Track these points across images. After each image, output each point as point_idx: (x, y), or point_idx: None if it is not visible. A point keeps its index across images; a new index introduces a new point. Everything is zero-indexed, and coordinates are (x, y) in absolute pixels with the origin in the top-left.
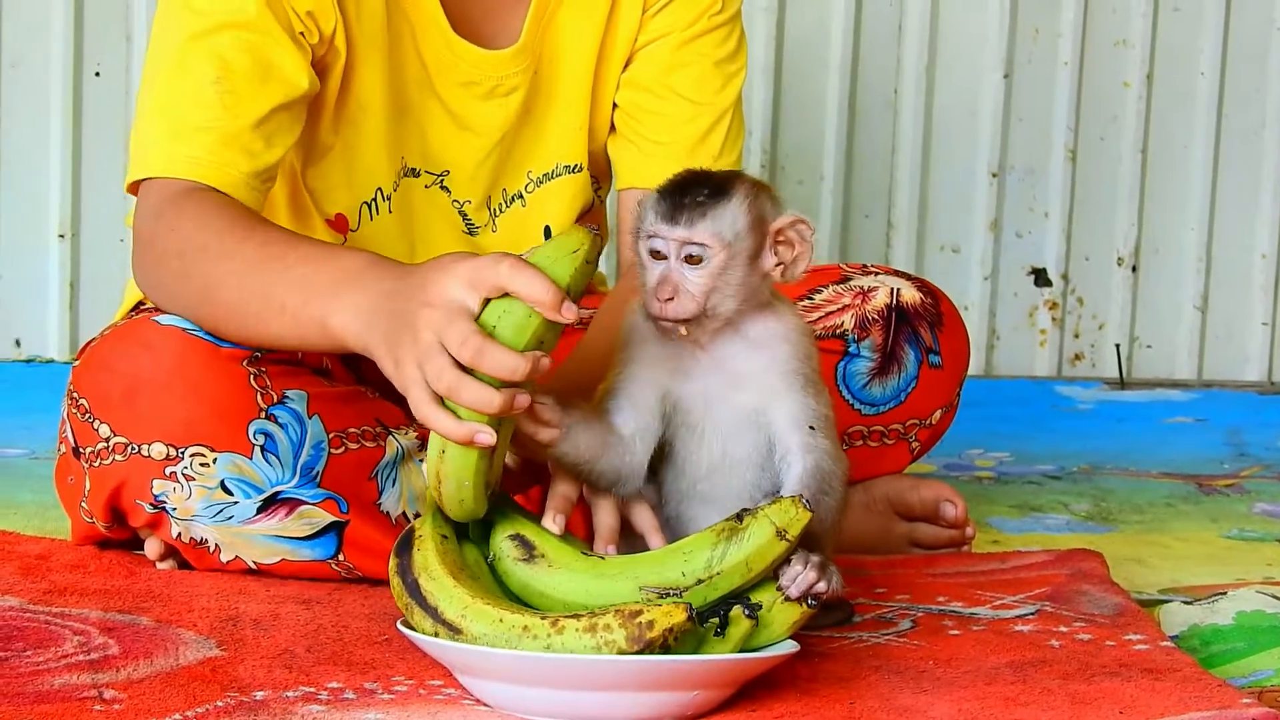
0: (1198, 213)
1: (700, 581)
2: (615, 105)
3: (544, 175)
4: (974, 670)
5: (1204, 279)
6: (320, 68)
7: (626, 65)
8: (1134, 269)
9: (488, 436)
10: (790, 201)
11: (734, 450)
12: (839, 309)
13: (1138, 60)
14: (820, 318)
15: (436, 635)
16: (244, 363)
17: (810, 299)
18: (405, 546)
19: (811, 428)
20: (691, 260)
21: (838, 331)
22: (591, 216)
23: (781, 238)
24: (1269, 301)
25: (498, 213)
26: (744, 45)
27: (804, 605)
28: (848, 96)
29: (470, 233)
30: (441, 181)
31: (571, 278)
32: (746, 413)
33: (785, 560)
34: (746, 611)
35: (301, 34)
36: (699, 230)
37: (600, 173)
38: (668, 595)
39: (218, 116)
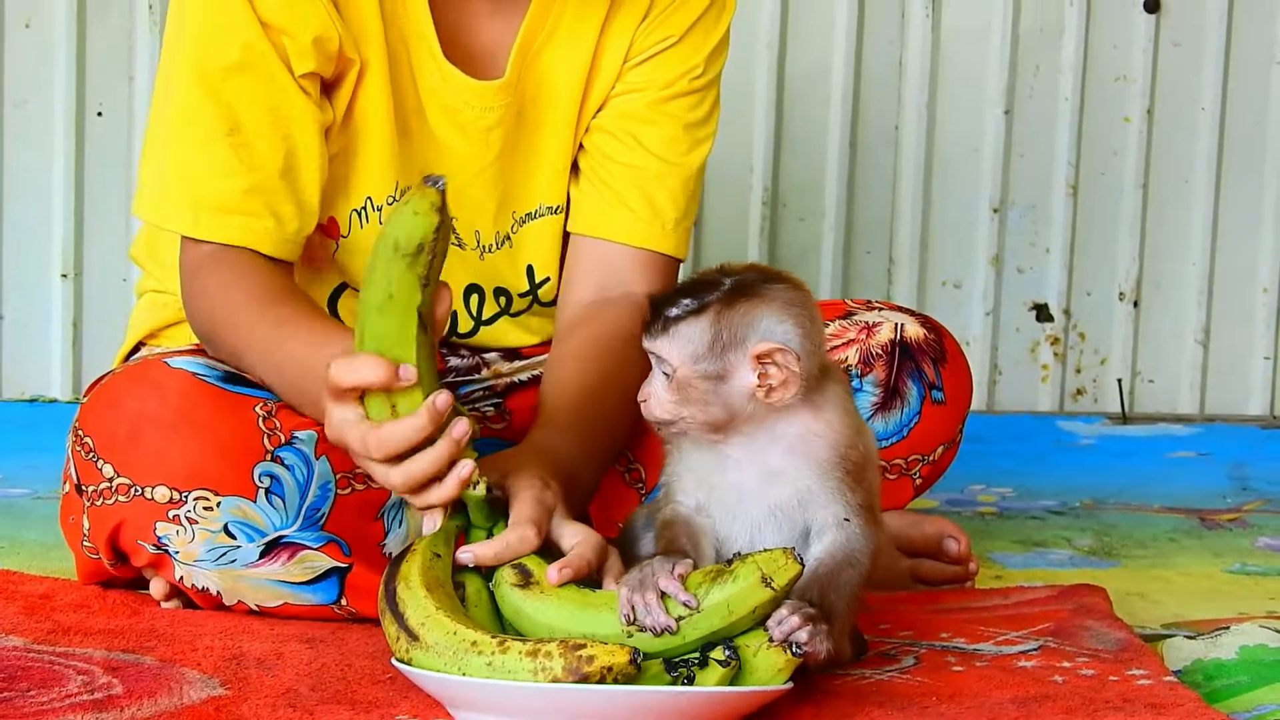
0: (1199, 247)
1: (680, 619)
2: (581, 146)
3: (526, 215)
4: (977, 706)
5: (1206, 313)
6: (335, 78)
7: (599, 110)
8: (1136, 304)
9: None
10: (792, 237)
11: (764, 540)
12: (843, 344)
13: (1138, 95)
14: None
15: (399, 640)
16: (255, 406)
17: None
18: (399, 559)
19: (846, 519)
20: (665, 372)
21: (841, 366)
22: None
23: (767, 360)
24: (1271, 336)
25: (488, 250)
26: (717, 111)
27: (788, 653)
28: (849, 132)
29: (460, 246)
30: None
31: (399, 336)
32: (782, 506)
33: (774, 608)
34: (727, 652)
35: (308, 74)
36: (660, 345)
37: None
38: (646, 629)
39: (234, 172)
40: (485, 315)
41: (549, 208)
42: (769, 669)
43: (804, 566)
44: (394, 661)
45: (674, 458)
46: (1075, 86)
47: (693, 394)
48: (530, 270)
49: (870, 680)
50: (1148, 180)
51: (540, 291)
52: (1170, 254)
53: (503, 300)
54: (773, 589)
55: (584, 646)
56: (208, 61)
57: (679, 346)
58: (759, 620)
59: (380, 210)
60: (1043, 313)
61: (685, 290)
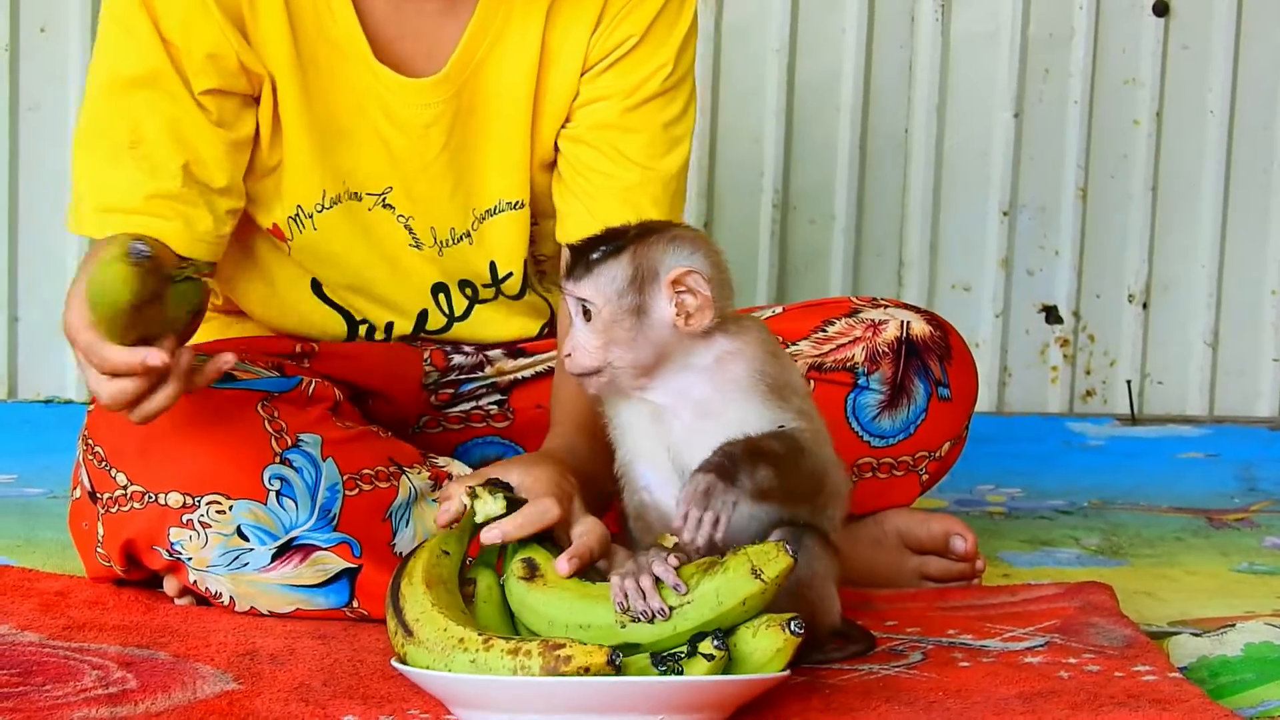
0: (1208, 249)
1: (671, 609)
2: (558, 150)
3: (486, 211)
4: (983, 702)
5: (1215, 315)
6: (256, 94)
7: (569, 118)
8: (1145, 306)
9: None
10: (803, 241)
11: None
12: (850, 342)
13: (1148, 99)
14: (831, 350)
15: (397, 634)
16: (258, 406)
17: (823, 331)
18: (409, 556)
19: (781, 426)
20: (586, 315)
21: (848, 364)
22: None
23: (681, 288)
24: (1279, 338)
25: (446, 245)
26: (693, 105)
27: (786, 631)
28: (859, 137)
29: (417, 246)
30: (384, 199)
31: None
32: (721, 439)
33: (764, 600)
34: (716, 643)
35: (209, 91)
36: (583, 286)
37: (540, 211)
38: (640, 619)
39: (138, 181)
40: (457, 311)
41: (509, 203)
42: (766, 651)
43: (796, 560)
44: (393, 662)
45: (612, 425)
46: (1084, 90)
47: (618, 332)
48: (493, 266)
49: (877, 676)
50: (1157, 183)
51: (504, 285)
52: (1179, 256)
53: (469, 291)
54: (762, 581)
55: (563, 646)
56: (116, 74)
57: (602, 285)
58: (750, 612)
59: (312, 217)
60: (1052, 315)
61: (600, 238)
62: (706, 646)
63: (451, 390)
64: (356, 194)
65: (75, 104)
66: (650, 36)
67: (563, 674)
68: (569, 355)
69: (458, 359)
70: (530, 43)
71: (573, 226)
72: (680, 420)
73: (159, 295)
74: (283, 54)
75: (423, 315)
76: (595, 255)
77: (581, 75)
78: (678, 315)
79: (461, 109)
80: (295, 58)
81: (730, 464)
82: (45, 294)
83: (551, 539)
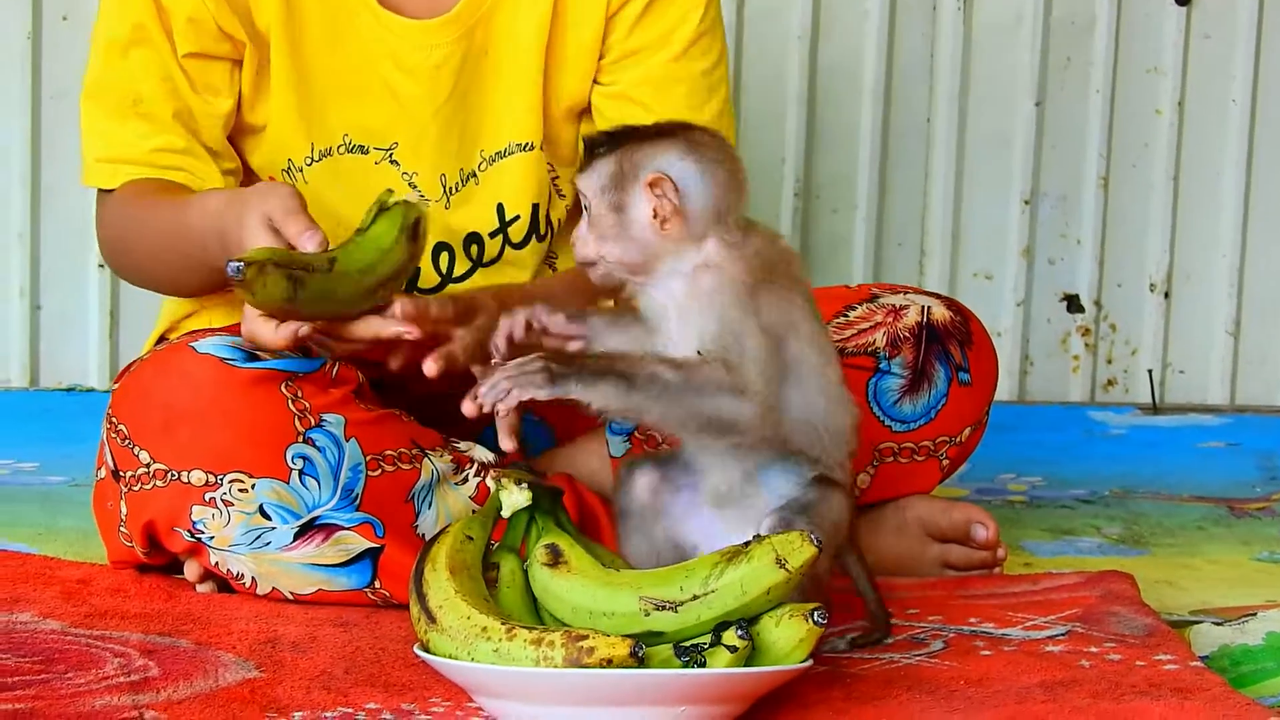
0: (1230, 239)
1: (695, 598)
2: (592, 106)
3: (496, 154)
4: (1005, 690)
5: (1236, 304)
6: (232, 59)
7: (599, 70)
8: (1166, 295)
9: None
10: (824, 229)
11: None
12: (871, 326)
13: (1169, 88)
14: (853, 335)
15: (420, 621)
16: (281, 386)
17: (845, 316)
18: (432, 541)
19: (699, 352)
20: (586, 209)
21: (869, 349)
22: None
23: (657, 191)
24: None
25: (453, 191)
26: (724, 47)
27: (809, 621)
28: (881, 125)
29: (426, 201)
30: (390, 155)
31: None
32: (691, 350)
33: (788, 590)
34: (740, 633)
35: (192, 54)
36: (580, 179)
37: (559, 160)
38: (663, 608)
39: (143, 135)
40: (456, 273)
41: (520, 145)
42: (789, 641)
43: (820, 549)
44: (415, 649)
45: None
46: (1106, 79)
47: (605, 227)
48: (500, 209)
49: (899, 665)
50: (1178, 172)
51: (510, 230)
52: (1201, 245)
53: (474, 250)
54: (787, 570)
55: (586, 637)
56: (114, 34)
57: (593, 180)
58: (773, 602)
59: (302, 170)
60: (1074, 304)
61: (607, 134)
62: (730, 637)
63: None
64: (363, 147)
65: None
66: None
67: (585, 665)
68: (573, 243)
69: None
70: None
71: None
72: (667, 323)
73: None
74: (274, 10)
75: (416, 273)
76: (595, 151)
77: (607, 21)
78: (655, 218)
79: (472, 50)
80: (288, 14)
81: (572, 364)
82: (67, 282)
83: (571, 522)
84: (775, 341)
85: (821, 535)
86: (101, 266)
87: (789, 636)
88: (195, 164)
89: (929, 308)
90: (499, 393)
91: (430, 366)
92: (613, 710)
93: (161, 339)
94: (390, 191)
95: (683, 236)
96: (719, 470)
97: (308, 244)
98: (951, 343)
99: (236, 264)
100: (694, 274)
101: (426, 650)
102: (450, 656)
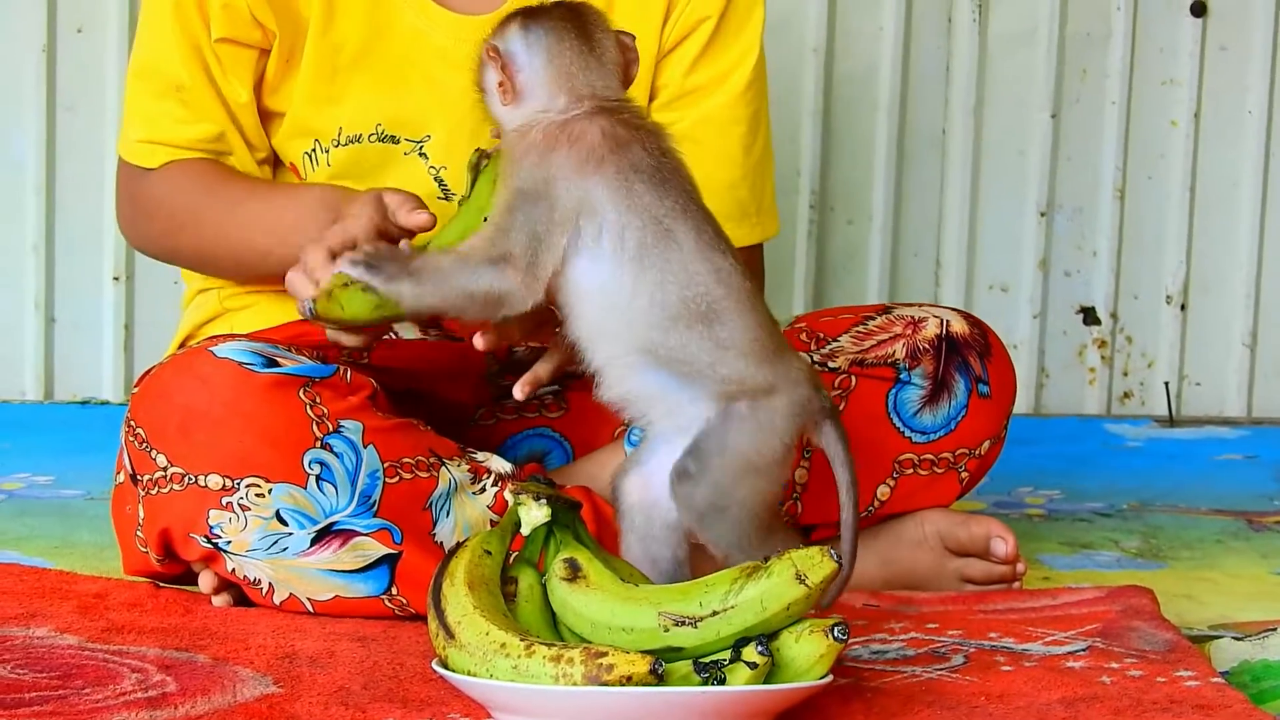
0: (1246, 250)
1: (715, 614)
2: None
3: None
4: (1026, 706)
5: (1253, 316)
6: (262, 48)
7: (649, 111)
8: (1183, 307)
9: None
10: (840, 241)
11: None
12: (890, 338)
13: (1185, 99)
14: (872, 346)
15: (438, 636)
16: (299, 392)
17: (864, 325)
18: (450, 554)
19: (485, 219)
20: None
21: (889, 360)
22: None
23: (493, 62)
24: None
25: None
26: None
27: (829, 637)
28: (896, 136)
29: (445, 198)
30: (421, 148)
31: None
32: None
33: (808, 606)
34: (760, 649)
35: (224, 39)
36: None
37: None
38: (683, 623)
39: (186, 120)
40: None
41: None
42: (809, 658)
43: (841, 566)
44: (433, 665)
45: None
46: (1122, 90)
47: (488, 113)
48: None
49: (920, 679)
50: (1194, 183)
51: None
52: (1217, 257)
53: None
54: (807, 586)
55: (605, 654)
56: (156, 15)
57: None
58: (792, 617)
59: (328, 153)
60: (1090, 316)
61: None
62: (750, 654)
63: (515, 376)
64: (394, 138)
65: (113, 105)
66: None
67: (605, 683)
68: None
69: (519, 350)
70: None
71: None
72: None
73: None
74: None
75: None
76: None
77: (657, 62)
78: (500, 88)
79: None
80: (326, 4)
81: (386, 261)
82: (81, 295)
83: (590, 536)
84: (553, 207)
85: (724, 473)
86: (116, 279)
87: (809, 652)
88: (235, 154)
89: (947, 320)
90: (312, 289)
91: (480, 341)
92: None
93: (182, 345)
94: (478, 151)
95: (519, 103)
96: (667, 446)
97: (415, 219)
98: (971, 354)
99: (308, 303)
100: (510, 138)
101: (445, 666)
102: (468, 673)
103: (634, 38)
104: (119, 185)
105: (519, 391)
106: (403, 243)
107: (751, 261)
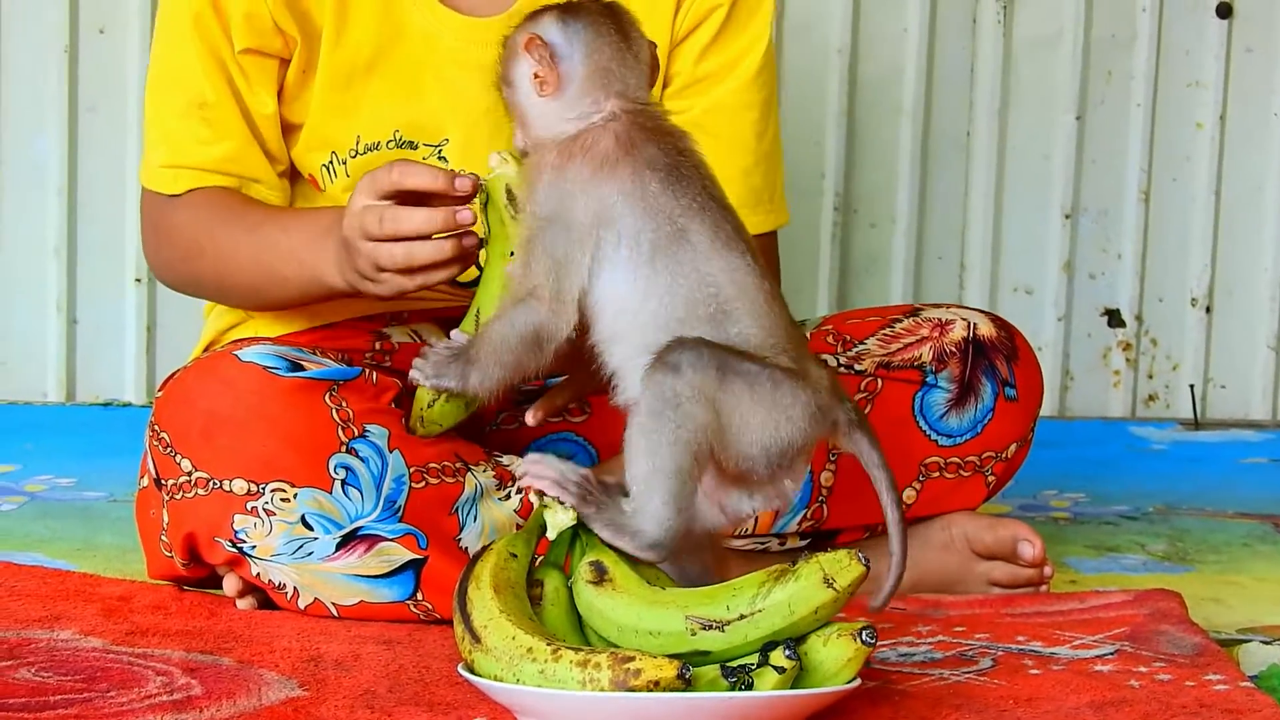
0: (1271, 253)
1: (742, 617)
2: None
3: None
4: (1055, 710)
5: (1277, 319)
6: (283, 57)
7: (662, 98)
8: (1208, 310)
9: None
10: (864, 244)
11: None
12: (917, 340)
13: (1210, 101)
14: (899, 349)
15: (464, 640)
16: (325, 396)
17: (890, 328)
18: (475, 558)
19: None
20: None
21: (916, 363)
22: None
23: (534, 54)
24: None
25: None
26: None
27: (857, 641)
28: (920, 139)
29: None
30: (439, 152)
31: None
32: None
33: (837, 610)
34: (788, 653)
35: (247, 50)
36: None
37: None
38: (710, 627)
39: (209, 140)
40: None
41: None
42: (837, 661)
43: (868, 569)
44: (459, 670)
45: None
46: (1147, 92)
47: (513, 112)
48: None
49: (948, 682)
50: (1220, 186)
51: None
52: (1242, 260)
53: None
54: (835, 589)
55: (632, 659)
56: (175, 27)
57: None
58: (820, 621)
59: (346, 163)
60: (1114, 318)
61: None
62: (778, 658)
63: (540, 383)
64: (412, 143)
65: (134, 106)
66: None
67: (632, 687)
68: None
69: None
70: None
71: None
72: None
73: None
74: (327, 2)
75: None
76: None
77: (671, 49)
78: (536, 80)
79: None
80: (341, 9)
81: (451, 359)
82: (104, 297)
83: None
84: (569, 227)
85: (709, 390)
86: (139, 280)
87: (837, 656)
88: (256, 170)
89: (974, 323)
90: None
91: (530, 418)
92: None
93: (207, 350)
94: (473, 177)
95: (561, 95)
96: None
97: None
98: (998, 358)
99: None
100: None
101: (471, 670)
102: (495, 677)
103: (655, 45)
104: (143, 213)
105: (531, 418)
106: (453, 332)
107: (767, 250)
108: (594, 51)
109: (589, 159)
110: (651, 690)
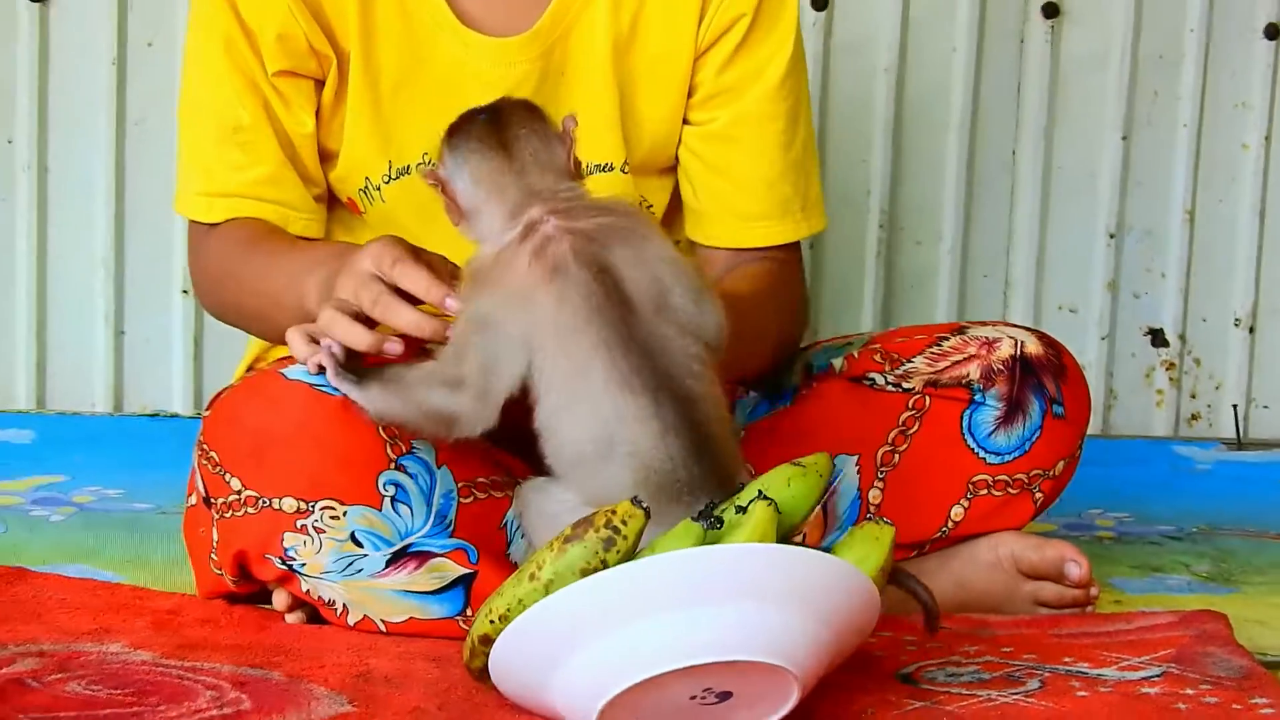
0: None
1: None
2: (686, 148)
3: None
4: None
5: None
6: (317, 78)
7: (689, 109)
8: (1251, 330)
9: (396, 346)
10: (909, 261)
11: None
12: (964, 359)
13: (1257, 122)
14: (946, 367)
15: (472, 648)
16: None
17: (939, 346)
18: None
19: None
20: None
21: (964, 381)
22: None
23: (437, 190)
24: None
25: None
26: (804, 65)
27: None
28: (966, 157)
29: None
30: None
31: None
32: None
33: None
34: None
35: (281, 73)
36: None
37: (646, 191)
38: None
39: (243, 165)
40: None
41: (598, 165)
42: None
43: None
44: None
45: None
46: (1193, 113)
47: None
48: None
49: (996, 703)
50: (1265, 207)
51: None
52: None
53: None
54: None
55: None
56: (206, 51)
57: None
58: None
59: (380, 189)
60: (1158, 338)
61: None
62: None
63: None
64: None
65: None
66: (763, 12)
67: (614, 525)
68: None
69: None
70: (625, 7)
71: (719, 228)
72: None
73: None
74: (352, 27)
75: None
76: None
77: (695, 60)
78: (447, 212)
79: (550, 70)
80: (366, 33)
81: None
82: (151, 308)
83: None
84: (497, 338)
85: None
86: (185, 292)
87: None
88: (291, 194)
89: (1022, 341)
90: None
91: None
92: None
93: (251, 368)
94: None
95: (472, 221)
96: None
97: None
98: (1046, 375)
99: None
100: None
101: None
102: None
103: (575, 120)
104: (189, 243)
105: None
106: (388, 343)
107: (789, 259)
108: (485, 173)
109: (510, 281)
110: (612, 520)
